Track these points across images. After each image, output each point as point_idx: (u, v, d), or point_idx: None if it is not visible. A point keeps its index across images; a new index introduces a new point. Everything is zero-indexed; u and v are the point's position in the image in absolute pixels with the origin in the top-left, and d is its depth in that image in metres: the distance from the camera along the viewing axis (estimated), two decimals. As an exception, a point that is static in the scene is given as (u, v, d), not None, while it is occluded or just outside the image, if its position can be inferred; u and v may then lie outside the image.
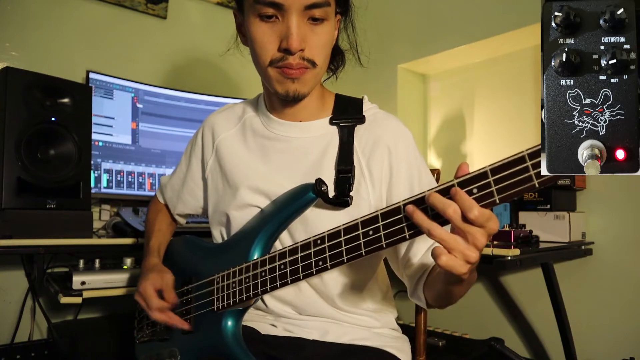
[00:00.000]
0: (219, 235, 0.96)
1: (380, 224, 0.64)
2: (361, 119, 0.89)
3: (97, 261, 1.40)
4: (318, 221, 0.83)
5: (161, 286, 0.87)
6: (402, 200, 0.63)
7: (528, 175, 0.53)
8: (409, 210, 0.60)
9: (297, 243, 0.74)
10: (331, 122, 0.89)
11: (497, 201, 0.55)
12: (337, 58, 0.95)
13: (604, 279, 1.61)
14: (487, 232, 0.57)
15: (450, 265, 0.57)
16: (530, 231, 1.50)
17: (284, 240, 0.86)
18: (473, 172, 0.57)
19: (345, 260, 0.68)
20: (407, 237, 0.62)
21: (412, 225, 0.61)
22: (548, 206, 1.56)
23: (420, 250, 0.82)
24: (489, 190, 0.55)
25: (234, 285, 0.80)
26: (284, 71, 0.80)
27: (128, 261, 1.41)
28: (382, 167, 0.85)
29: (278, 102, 0.90)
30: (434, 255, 0.57)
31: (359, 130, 0.88)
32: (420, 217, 0.59)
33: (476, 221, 0.55)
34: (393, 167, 0.85)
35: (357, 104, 0.93)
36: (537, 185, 0.52)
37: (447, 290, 0.73)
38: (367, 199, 0.84)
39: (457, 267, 0.57)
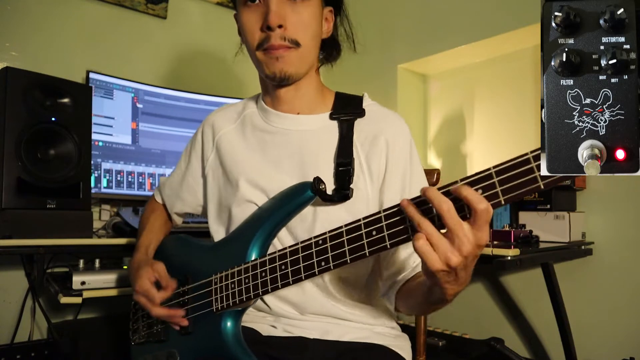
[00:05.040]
0: (219, 232, 0.95)
1: (384, 223, 0.64)
2: (361, 113, 0.90)
3: (97, 261, 1.40)
4: (317, 217, 0.83)
5: (155, 277, 0.87)
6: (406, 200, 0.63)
7: (533, 177, 0.53)
8: (403, 204, 0.60)
9: (298, 244, 0.73)
10: (331, 117, 0.90)
11: (502, 202, 0.56)
12: (333, 50, 0.97)
13: (604, 279, 1.61)
14: (476, 241, 0.56)
15: (424, 252, 0.57)
16: (530, 231, 1.50)
17: (282, 237, 0.86)
18: (478, 174, 0.57)
19: (349, 261, 0.67)
20: (412, 237, 0.61)
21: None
22: (548, 206, 1.56)
23: (401, 254, 0.83)
24: (494, 191, 0.56)
25: (233, 285, 0.80)
26: (268, 52, 0.84)
27: (128, 261, 1.40)
28: (380, 160, 0.86)
29: (272, 88, 0.91)
30: (415, 239, 0.58)
31: (359, 124, 0.89)
32: (412, 211, 0.59)
33: (482, 215, 0.54)
34: (389, 161, 0.86)
35: (357, 100, 0.93)
36: (542, 187, 0.53)
37: (425, 307, 0.76)
38: (365, 192, 0.85)
39: (432, 260, 0.57)
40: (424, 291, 0.71)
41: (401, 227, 0.63)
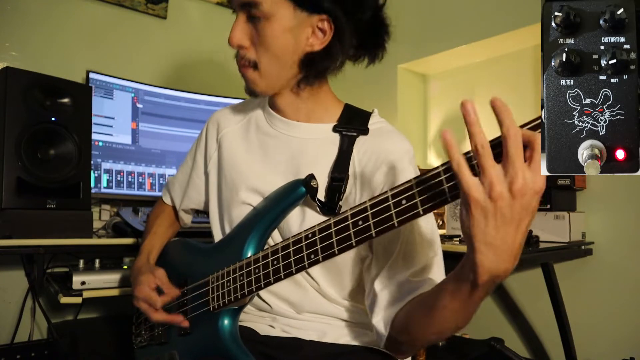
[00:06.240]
0: (219, 230, 0.96)
1: (369, 212, 0.64)
2: (364, 131, 0.88)
3: (97, 261, 1.40)
4: (308, 222, 0.83)
5: (156, 283, 0.88)
6: (390, 190, 0.62)
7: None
8: (474, 127, 0.55)
9: (289, 239, 0.74)
10: (334, 130, 0.89)
11: None
12: (323, 64, 0.85)
13: (604, 279, 1.61)
14: (531, 178, 0.49)
15: (461, 173, 0.53)
16: (530, 231, 1.50)
17: (276, 239, 0.87)
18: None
19: (337, 252, 0.68)
20: (396, 224, 0.62)
21: (401, 212, 0.61)
22: (548, 206, 1.56)
23: (406, 268, 0.76)
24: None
25: (228, 283, 0.81)
26: (239, 69, 0.87)
27: (128, 261, 1.41)
28: (378, 182, 0.82)
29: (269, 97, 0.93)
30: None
31: (360, 141, 0.87)
32: (478, 129, 0.54)
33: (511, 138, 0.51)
34: (388, 184, 0.81)
35: (365, 116, 0.92)
36: None
37: (441, 311, 0.64)
38: None
39: (469, 182, 0.53)
40: (445, 281, 0.64)
41: (386, 214, 0.62)
